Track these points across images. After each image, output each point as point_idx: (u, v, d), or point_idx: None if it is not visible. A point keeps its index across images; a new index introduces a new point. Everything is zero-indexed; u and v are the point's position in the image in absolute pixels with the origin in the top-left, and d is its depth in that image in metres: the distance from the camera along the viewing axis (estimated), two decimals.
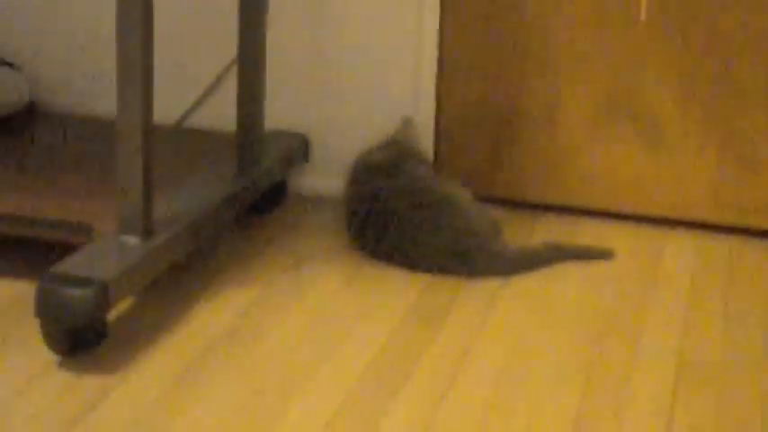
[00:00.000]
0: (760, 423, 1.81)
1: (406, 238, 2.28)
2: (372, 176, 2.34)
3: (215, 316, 2.09)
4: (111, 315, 2.01)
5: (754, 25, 2.45)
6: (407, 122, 2.52)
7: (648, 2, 2.48)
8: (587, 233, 2.50)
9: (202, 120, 2.68)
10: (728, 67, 2.48)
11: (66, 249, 1.98)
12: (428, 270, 2.27)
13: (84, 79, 2.73)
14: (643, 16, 2.50)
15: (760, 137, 2.50)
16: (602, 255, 2.40)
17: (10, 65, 2.67)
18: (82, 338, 1.92)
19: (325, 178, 2.65)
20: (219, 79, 2.66)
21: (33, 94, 2.67)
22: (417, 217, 2.27)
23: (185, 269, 2.26)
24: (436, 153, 2.62)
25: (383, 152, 2.40)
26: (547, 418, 1.81)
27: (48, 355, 1.91)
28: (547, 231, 2.50)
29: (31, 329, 1.97)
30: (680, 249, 2.46)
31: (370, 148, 2.44)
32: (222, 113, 2.65)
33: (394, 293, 2.20)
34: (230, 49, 2.59)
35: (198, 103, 2.68)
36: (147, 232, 2.02)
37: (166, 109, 2.62)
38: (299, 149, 2.58)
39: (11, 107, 2.58)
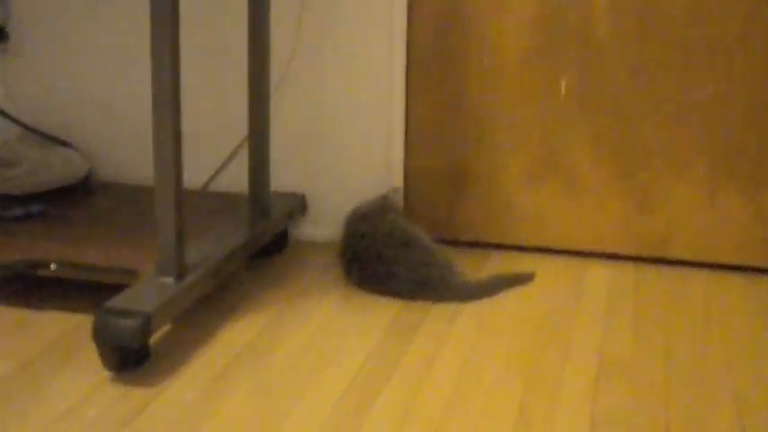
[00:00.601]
0: (664, 404, 1.81)
1: (384, 271, 2.28)
2: (359, 223, 2.34)
3: (236, 336, 2.08)
4: (153, 339, 1.99)
5: (652, 95, 2.46)
6: (397, 190, 2.53)
7: (567, 81, 2.49)
8: (524, 265, 2.50)
9: (221, 184, 2.68)
10: (631, 131, 2.49)
11: (116, 289, 1.97)
12: (401, 296, 2.27)
13: (129, 155, 2.73)
14: (563, 92, 2.51)
15: (655, 185, 2.50)
16: (527, 278, 2.41)
17: (70, 145, 2.66)
18: (130, 358, 1.91)
19: (318, 228, 2.64)
20: (235, 152, 2.65)
21: (90, 169, 2.67)
22: (392, 254, 2.27)
23: (211, 301, 2.24)
24: (405, 204, 2.62)
25: (370, 206, 2.41)
26: (497, 408, 1.80)
27: (103, 372, 1.90)
28: (494, 264, 2.50)
29: (90, 351, 1.95)
30: (597, 274, 2.46)
31: (362, 203, 2.44)
32: (237, 179, 2.64)
33: (376, 315, 2.19)
34: (240, 128, 2.59)
35: (218, 172, 2.67)
36: (180, 274, 2.01)
37: (192, 176, 2.61)
38: (298, 206, 2.57)
39: (71, 179, 2.58)
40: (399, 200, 2.53)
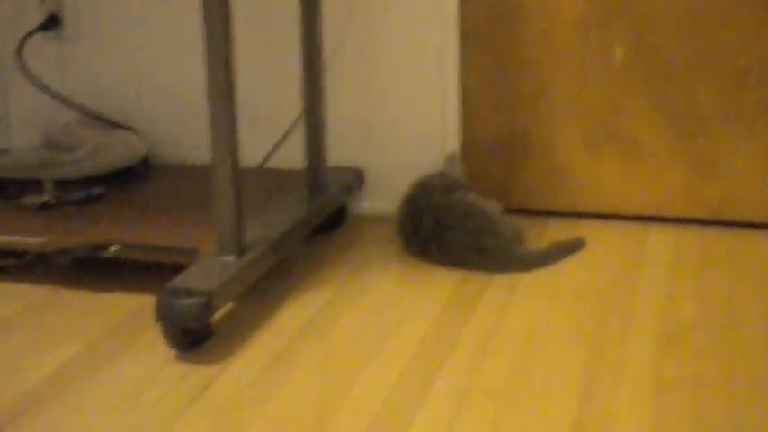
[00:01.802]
0: (730, 370, 1.78)
1: (448, 242, 2.26)
2: (429, 195, 2.31)
3: (297, 312, 2.08)
4: (215, 317, 1.99)
5: (709, 57, 2.42)
6: (453, 157, 2.49)
7: (622, 47, 2.46)
8: (583, 232, 2.47)
9: (278, 161, 2.67)
10: (688, 94, 2.45)
11: (178, 269, 1.98)
12: (463, 266, 2.25)
13: (186, 136, 2.73)
14: (619, 58, 2.47)
15: (715, 148, 2.46)
16: (579, 243, 2.38)
17: (127, 127, 2.67)
18: (193, 337, 1.92)
19: (376, 202, 2.63)
20: (291, 129, 2.65)
21: (148, 150, 2.67)
22: (456, 225, 2.26)
23: (271, 279, 2.24)
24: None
25: (438, 179, 2.37)
26: (561, 377, 1.78)
27: (167, 352, 1.90)
28: (553, 232, 2.48)
29: (153, 332, 1.96)
30: (659, 240, 2.43)
31: (425, 177, 2.41)
32: (294, 155, 2.64)
33: (437, 287, 2.18)
34: (295, 104, 2.59)
35: (274, 149, 2.67)
36: (240, 252, 2.01)
37: (249, 154, 2.61)
38: (355, 180, 2.56)
39: (131, 160, 2.58)
40: (457, 165, 2.49)
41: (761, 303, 2.06)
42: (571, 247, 2.35)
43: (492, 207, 2.32)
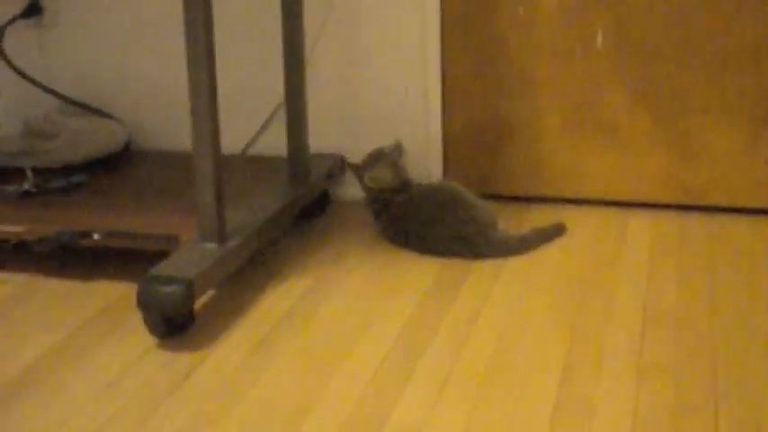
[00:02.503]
0: (711, 354, 1.79)
1: (425, 230, 2.26)
2: (403, 186, 2.32)
3: (279, 300, 2.07)
4: (197, 305, 1.99)
5: (689, 42, 2.42)
6: (399, 146, 2.46)
7: (603, 32, 2.46)
8: (565, 217, 2.46)
9: (260, 148, 2.67)
10: (669, 79, 2.45)
11: (159, 256, 1.97)
12: (442, 254, 2.25)
13: (168, 123, 2.72)
14: (599, 43, 2.47)
15: (695, 132, 2.47)
16: (560, 229, 2.38)
17: (109, 115, 2.66)
18: (175, 324, 1.91)
19: (358, 188, 2.62)
20: (272, 116, 2.64)
21: (129, 138, 2.67)
22: (431, 212, 2.26)
23: (253, 265, 2.24)
24: (445, 161, 2.60)
25: (389, 172, 2.36)
26: (542, 363, 1.79)
27: (148, 339, 1.90)
28: (535, 217, 2.48)
29: (135, 319, 1.95)
30: (639, 224, 2.43)
31: (368, 160, 2.40)
32: (276, 143, 2.63)
33: (418, 274, 2.18)
34: (277, 91, 2.58)
35: (257, 136, 2.67)
36: (222, 239, 2.01)
37: (231, 141, 2.61)
38: (337, 167, 2.56)
39: (112, 148, 2.58)
40: (400, 156, 2.46)
41: (741, 288, 2.07)
42: (552, 233, 2.36)
43: (464, 192, 2.32)
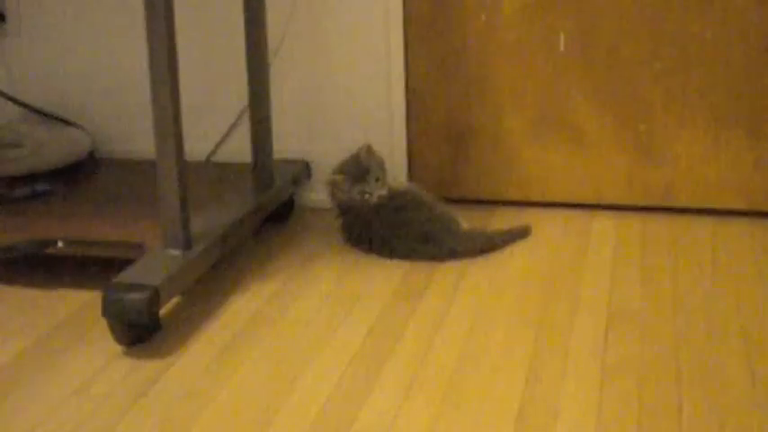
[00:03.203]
0: (675, 351, 1.80)
1: (388, 234, 2.27)
2: (351, 193, 2.32)
3: (245, 305, 2.08)
4: (162, 312, 1.99)
5: (650, 44, 2.44)
6: (369, 148, 2.44)
7: (565, 35, 2.47)
8: (530, 220, 2.48)
9: (225, 155, 2.67)
10: (631, 81, 2.47)
11: (124, 263, 1.97)
12: (408, 257, 2.26)
13: (132, 130, 2.72)
14: (562, 46, 2.49)
15: (657, 134, 2.49)
16: (525, 230, 2.40)
17: (72, 123, 2.66)
18: (140, 332, 1.91)
19: (323, 194, 2.62)
20: (236, 123, 2.64)
21: (93, 146, 2.66)
22: (395, 216, 2.27)
23: (219, 271, 2.24)
24: (409, 165, 2.61)
25: (351, 180, 2.34)
26: (508, 363, 1.80)
27: (114, 347, 1.90)
28: (500, 220, 2.49)
29: (101, 327, 1.95)
30: (603, 226, 2.45)
31: (342, 165, 2.38)
32: (240, 148, 2.63)
33: (384, 277, 2.19)
34: (240, 97, 2.58)
35: (221, 142, 2.67)
36: (187, 245, 2.01)
37: (195, 148, 2.61)
38: (302, 172, 2.56)
39: (75, 156, 2.56)
40: (373, 155, 2.44)
41: (704, 288, 2.09)
42: (517, 234, 2.37)
43: (424, 194, 2.34)
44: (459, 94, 2.56)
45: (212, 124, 2.66)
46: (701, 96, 2.44)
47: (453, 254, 2.26)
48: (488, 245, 2.30)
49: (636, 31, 2.43)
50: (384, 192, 2.30)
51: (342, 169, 2.35)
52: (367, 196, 2.29)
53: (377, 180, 2.31)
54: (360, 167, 2.32)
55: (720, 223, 2.44)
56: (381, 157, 2.37)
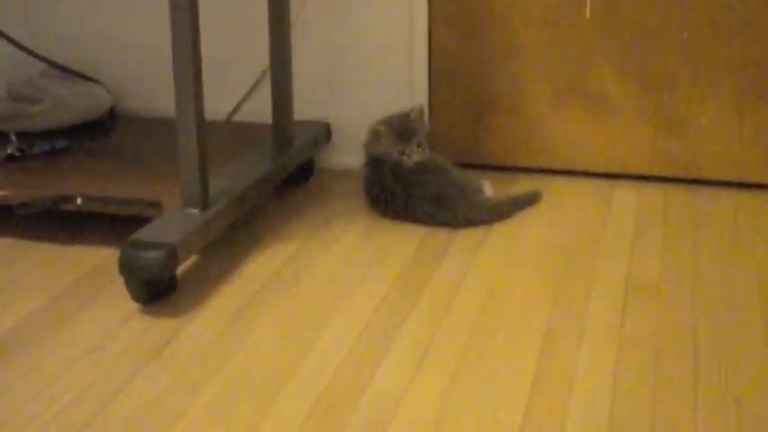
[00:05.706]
0: (691, 328, 1.80)
1: (405, 195, 2.26)
2: (380, 164, 2.31)
3: (262, 266, 2.08)
4: (179, 270, 2.00)
5: (678, 15, 2.42)
6: (421, 110, 2.43)
7: (592, 3, 2.46)
8: (551, 188, 2.47)
9: (246, 115, 2.67)
10: (657, 52, 2.45)
11: (142, 222, 1.97)
12: (421, 220, 2.26)
13: (154, 88, 2.72)
14: (588, 14, 2.47)
15: (682, 106, 2.47)
16: (535, 197, 2.40)
17: (93, 79, 2.66)
18: (156, 290, 1.92)
19: (343, 156, 2.63)
20: (257, 83, 2.64)
21: (114, 102, 2.66)
22: (413, 178, 2.26)
23: (237, 232, 2.25)
24: (432, 130, 2.60)
25: (398, 121, 2.33)
26: (523, 333, 1.80)
27: (131, 304, 1.91)
28: (522, 188, 2.48)
29: (118, 285, 1.96)
30: (624, 196, 2.44)
31: (383, 122, 2.35)
32: (260, 109, 2.63)
33: (401, 242, 2.19)
34: (263, 57, 2.58)
35: (241, 102, 2.66)
36: (205, 205, 2.01)
37: (216, 107, 2.60)
38: (322, 134, 2.56)
39: (96, 113, 2.57)
40: (423, 119, 2.44)
41: (724, 260, 2.08)
42: (526, 201, 2.36)
43: (445, 161, 2.33)
44: (483, 59, 2.55)
45: (233, 84, 2.66)
46: (727, 67, 2.42)
47: (469, 222, 2.25)
48: (496, 215, 2.29)
49: (664, 2, 2.41)
50: (421, 159, 2.29)
51: (389, 122, 2.33)
52: (405, 157, 2.28)
53: (419, 146, 2.30)
54: (406, 127, 2.30)
55: (743, 196, 2.43)
56: (428, 124, 2.36)
